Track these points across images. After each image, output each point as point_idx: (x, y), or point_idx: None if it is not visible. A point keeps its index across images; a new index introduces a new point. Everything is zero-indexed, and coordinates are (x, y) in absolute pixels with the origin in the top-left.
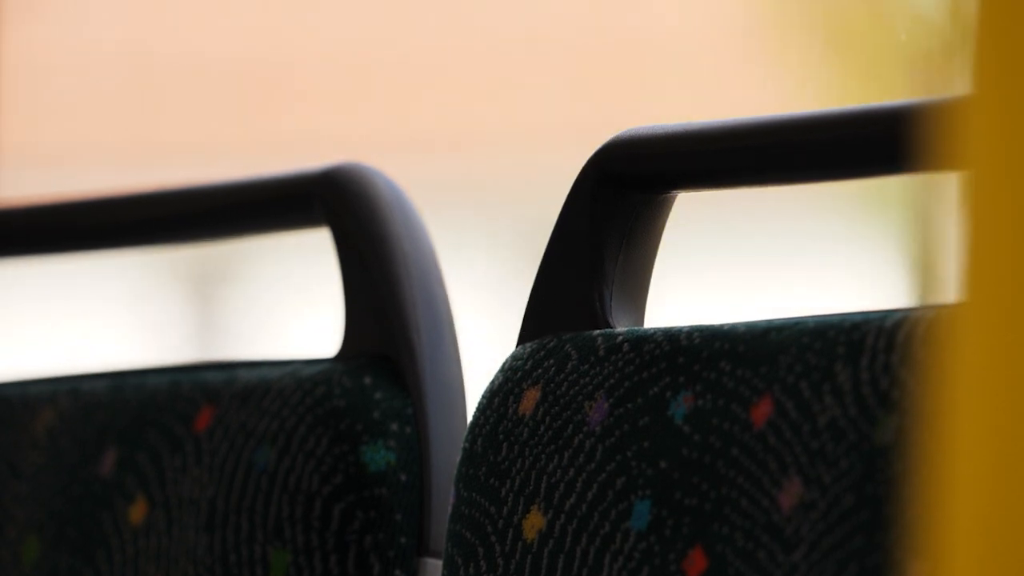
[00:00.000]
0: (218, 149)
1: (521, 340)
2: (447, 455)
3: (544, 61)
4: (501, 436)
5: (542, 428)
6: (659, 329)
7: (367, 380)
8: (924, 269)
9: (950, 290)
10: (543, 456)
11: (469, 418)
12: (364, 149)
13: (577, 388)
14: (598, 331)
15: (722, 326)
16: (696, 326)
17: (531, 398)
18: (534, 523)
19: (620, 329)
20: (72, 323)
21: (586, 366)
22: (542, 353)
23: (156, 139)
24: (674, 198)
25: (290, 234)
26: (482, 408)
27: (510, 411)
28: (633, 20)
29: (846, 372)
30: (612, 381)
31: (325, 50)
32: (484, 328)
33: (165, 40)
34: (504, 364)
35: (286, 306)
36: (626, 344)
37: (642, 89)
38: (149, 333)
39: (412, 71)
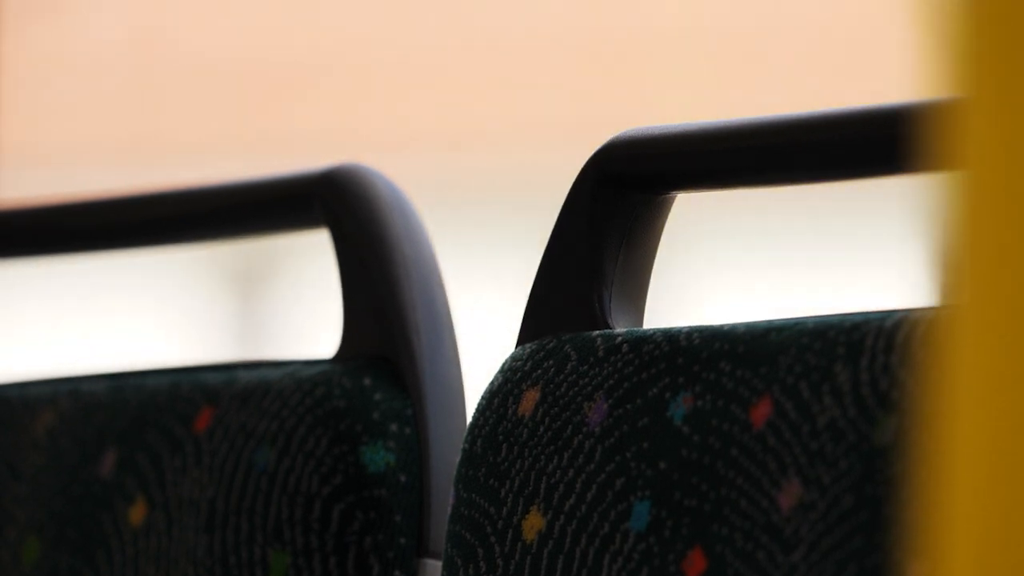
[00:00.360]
0: (222, 147)
1: (520, 341)
2: (446, 456)
3: (547, 58)
4: (500, 437)
5: (541, 429)
6: (658, 330)
7: (367, 381)
8: (930, 269)
9: (949, 291)
10: (542, 457)
11: (468, 419)
12: (366, 147)
13: (576, 389)
14: (597, 332)
15: (721, 327)
16: (695, 327)
17: (530, 399)
18: (533, 524)
19: (619, 330)
20: (113, 320)
21: (585, 367)
22: (541, 354)
23: (156, 138)
24: (674, 199)
25: (291, 235)
26: (481, 409)
27: (509, 412)
28: (634, 18)
29: (846, 373)
30: (611, 382)
31: (327, 49)
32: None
33: (166, 39)
34: (503, 365)
35: (329, 303)
36: (625, 345)
37: (643, 87)
38: (191, 330)
39: (414, 70)
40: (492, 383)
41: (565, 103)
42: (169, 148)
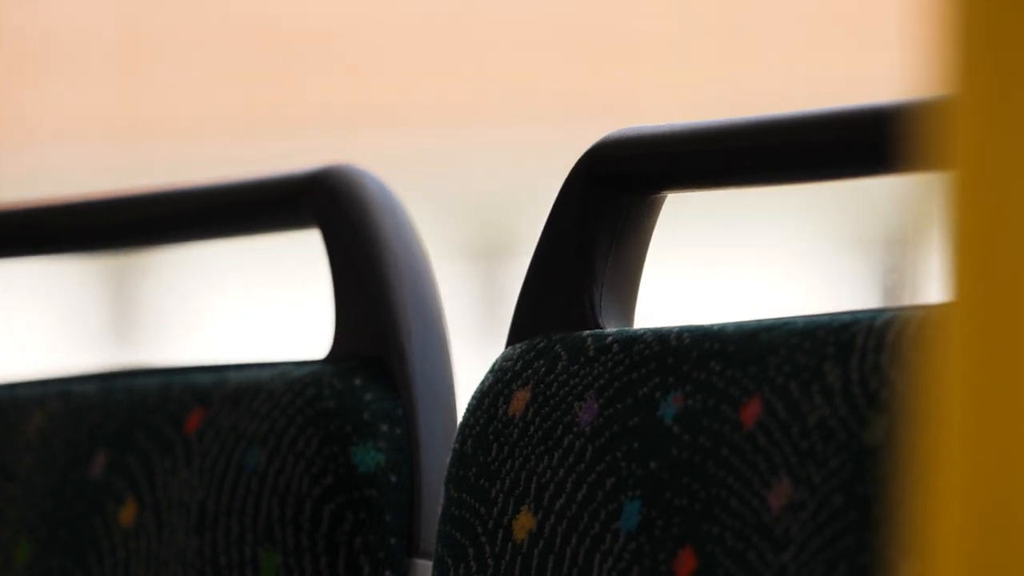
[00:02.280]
0: (225, 125)
1: (511, 341)
2: (437, 456)
3: (550, 44)
4: (491, 437)
5: (532, 429)
6: (649, 329)
7: (357, 381)
8: (918, 269)
9: (940, 290)
10: (533, 457)
11: (459, 419)
12: (364, 129)
13: (567, 389)
14: (588, 332)
15: (711, 326)
16: (686, 326)
17: (521, 399)
18: (524, 524)
19: (610, 330)
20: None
21: (576, 367)
22: (532, 354)
23: (148, 119)
24: (664, 199)
25: (285, 235)
26: (472, 409)
27: (500, 412)
28: (630, 11)
29: (836, 372)
30: (602, 382)
31: (328, 30)
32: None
33: (159, 19)
34: (494, 365)
35: None
36: (616, 345)
37: (641, 76)
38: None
39: (413, 54)
40: (482, 383)
41: (567, 86)
42: (162, 129)
